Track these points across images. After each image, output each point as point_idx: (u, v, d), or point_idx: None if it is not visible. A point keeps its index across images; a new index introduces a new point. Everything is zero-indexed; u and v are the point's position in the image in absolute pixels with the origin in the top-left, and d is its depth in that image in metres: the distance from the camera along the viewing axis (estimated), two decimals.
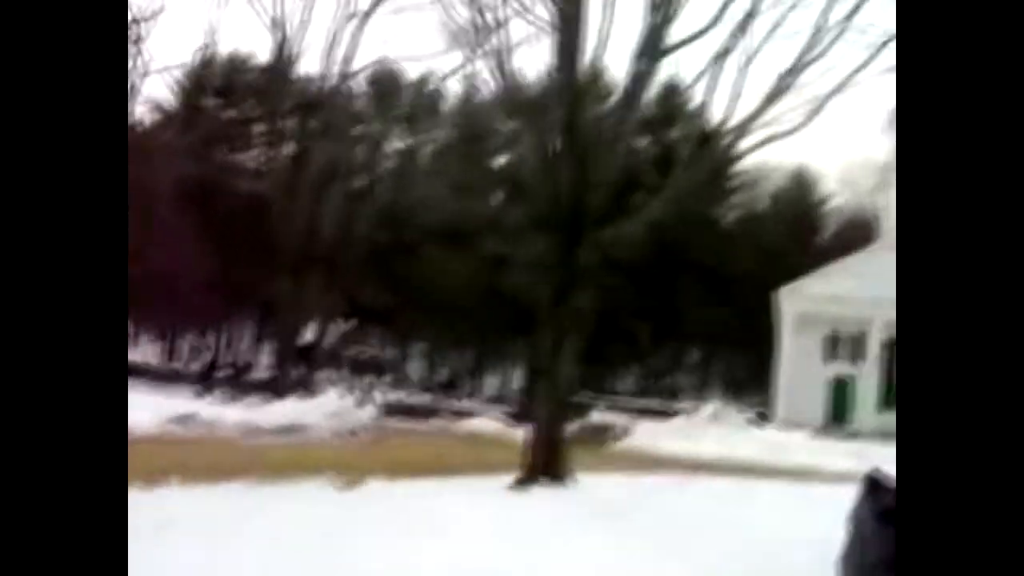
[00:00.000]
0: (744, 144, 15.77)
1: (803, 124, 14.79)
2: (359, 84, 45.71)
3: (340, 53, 40.26)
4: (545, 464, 14.51)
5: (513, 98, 17.57)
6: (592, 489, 14.69)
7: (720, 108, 15.43)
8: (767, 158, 47.79)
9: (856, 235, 47.29)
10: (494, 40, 15.74)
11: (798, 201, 55.66)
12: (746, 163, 50.95)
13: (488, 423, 30.47)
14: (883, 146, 44.28)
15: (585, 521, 11.77)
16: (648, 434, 31.00)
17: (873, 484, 2.60)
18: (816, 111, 14.90)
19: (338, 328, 43.96)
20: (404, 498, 11.26)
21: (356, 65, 41.71)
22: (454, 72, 37.18)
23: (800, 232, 52.90)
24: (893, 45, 14.80)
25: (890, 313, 38.32)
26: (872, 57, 14.87)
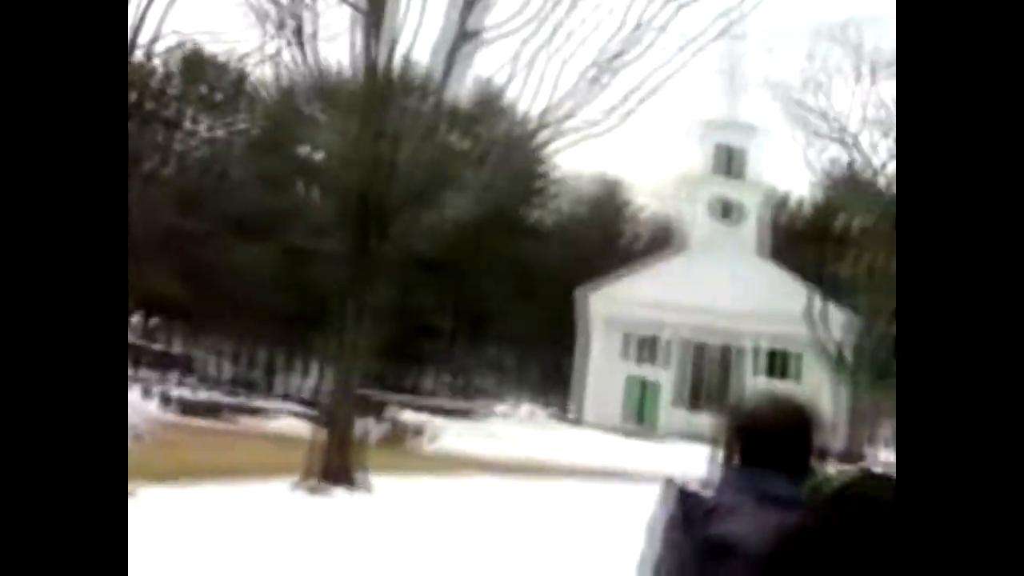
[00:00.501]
0: (555, 143, 15.64)
1: (614, 125, 14.81)
2: (163, 64, 43.25)
3: (145, 31, 37.90)
4: (336, 465, 13.84)
5: (319, 84, 16.76)
6: (385, 491, 14.18)
7: (533, 106, 15.22)
8: (580, 163, 48.66)
9: (661, 241, 48.82)
10: (298, 22, 14.92)
11: (608, 207, 57.04)
12: (559, 167, 52.09)
13: (292, 423, 29.37)
14: (689, 156, 46.04)
15: (373, 525, 11.30)
16: (457, 435, 30.76)
17: (671, 489, 2.39)
18: (628, 113, 14.96)
19: (134, 322, 41.40)
20: (174, 506, 10.33)
21: (161, 45, 39.39)
22: (259, 55, 35.56)
23: (610, 236, 54.19)
24: (704, 52, 15.01)
25: (692, 317, 40.40)
26: (685, 63, 15.07)
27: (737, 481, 2.30)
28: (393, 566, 8.65)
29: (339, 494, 13.30)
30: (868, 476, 2.21)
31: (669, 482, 2.34)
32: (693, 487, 2.31)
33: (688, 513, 2.26)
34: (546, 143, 15.86)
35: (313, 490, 13.25)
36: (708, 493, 2.27)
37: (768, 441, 2.29)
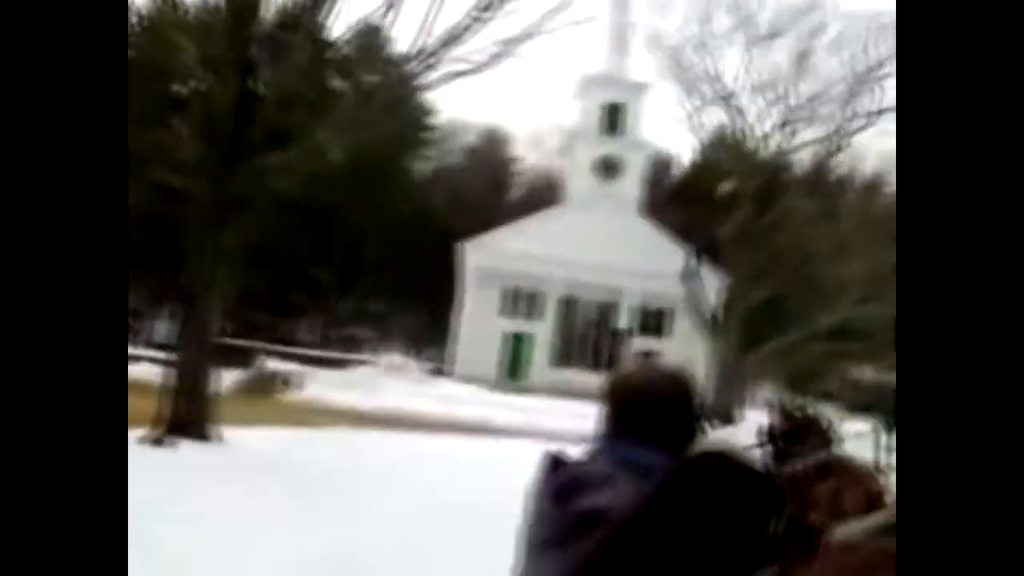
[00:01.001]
0: (435, 84, 14.93)
1: (488, 65, 14.16)
2: None
3: None
4: (186, 416, 12.97)
5: (177, 12, 15.56)
6: (240, 442, 13.41)
7: (412, 46, 14.43)
8: (464, 114, 47.88)
9: (542, 195, 48.65)
10: None
11: (492, 159, 56.56)
12: (442, 116, 51.21)
13: (150, 369, 28.05)
14: (570, 109, 45.78)
15: (224, 476, 10.63)
16: (323, 385, 29.96)
17: (551, 462, 2.43)
18: (507, 56, 14.37)
19: None
20: None
21: None
22: None
23: (492, 189, 53.74)
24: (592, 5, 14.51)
25: (570, 272, 40.43)
26: (564, 5, 14.52)
27: (611, 452, 2.27)
28: (224, 524, 7.97)
29: (186, 446, 12.45)
30: (715, 454, 2.05)
31: (547, 457, 2.29)
32: (567, 458, 2.27)
33: (560, 484, 2.22)
34: (425, 86, 15.14)
35: (157, 442, 12.37)
36: (582, 463, 2.25)
37: (643, 411, 2.29)
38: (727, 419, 30.97)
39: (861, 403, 43.39)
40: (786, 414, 5.95)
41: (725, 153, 39.33)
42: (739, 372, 33.74)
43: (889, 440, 24.44)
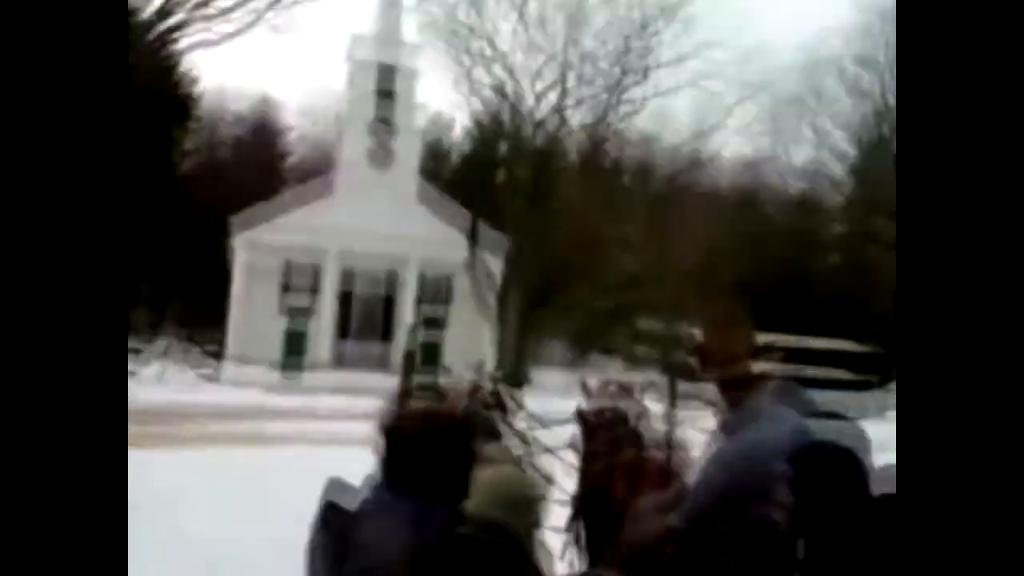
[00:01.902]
0: (174, 44, 13.47)
1: (247, 30, 12.87)
2: None
3: None
4: None
5: None
6: None
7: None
8: (234, 82, 45.32)
9: (318, 165, 46.96)
10: None
11: (264, 128, 54.11)
12: (206, 84, 48.36)
13: None
14: (341, 74, 44.21)
15: None
16: None
17: (326, 512, 2.42)
18: (261, 19, 13.14)
19: None
20: None
21: None
22: None
23: (265, 160, 51.39)
24: None
25: (349, 244, 39.05)
26: None
27: (387, 502, 2.29)
28: None
29: None
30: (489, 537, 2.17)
31: (331, 482, 2.35)
32: (343, 498, 2.32)
33: (333, 524, 2.28)
34: (179, 52, 13.67)
35: None
36: (356, 516, 2.29)
37: (417, 459, 2.32)
38: (516, 382, 30.92)
39: (643, 355, 44.85)
40: (598, 412, 5.72)
41: (503, 119, 39.15)
42: (525, 332, 33.79)
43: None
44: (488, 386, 6.10)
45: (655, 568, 3.39)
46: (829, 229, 45.13)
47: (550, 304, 33.99)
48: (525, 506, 2.94)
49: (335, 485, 2.46)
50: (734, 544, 3.28)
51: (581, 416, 5.51)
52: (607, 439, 5.15)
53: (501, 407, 5.77)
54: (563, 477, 5.17)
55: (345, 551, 2.21)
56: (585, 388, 5.91)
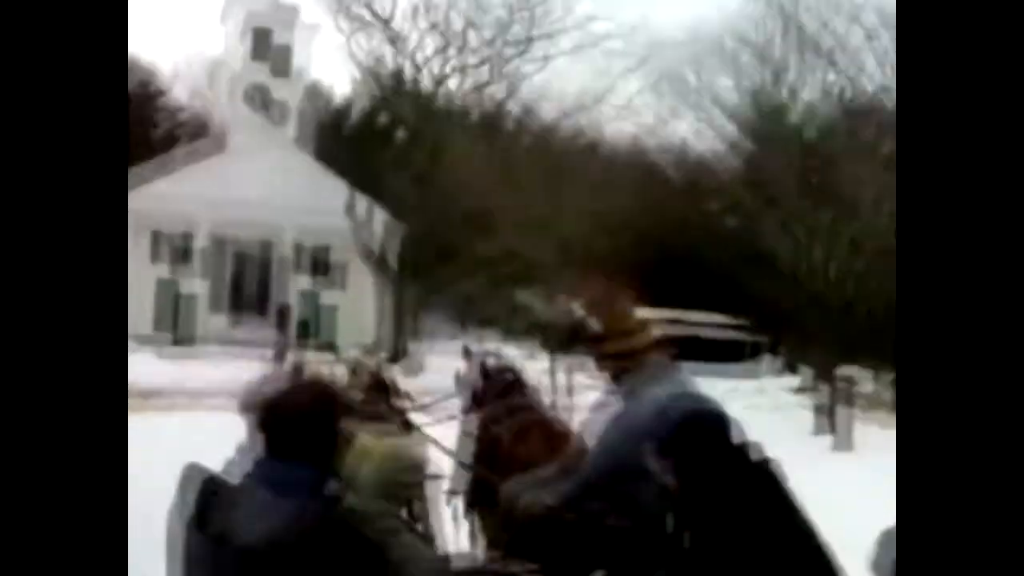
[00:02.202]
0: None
1: None
2: None
3: None
4: None
5: None
6: None
7: None
8: None
9: (196, 133, 45.25)
10: None
11: (139, 96, 51.75)
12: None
13: None
14: (216, 39, 42.62)
15: None
16: None
17: (193, 476, 2.39)
18: None
19: None
20: None
21: None
22: None
23: (140, 128, 49.18)
24: None
25: (229, 214, 37.63)
26: None
27: (258, 470, 2.31)
28: None
29: None
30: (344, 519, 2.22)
31: (192, 466, 2.35)
32: (216, 474, 2.38)
33: (201, 509, 2.24)
34: None
35: None
36: (228, 486, 2.32)
37: (285, 428, 2.33)
38: (396, 355, 30.55)
39: (521, 328, 44.94)
40: (484, 372, 5.69)
41: (390, 88, 38.37)
42: (406, 306, 33.39)
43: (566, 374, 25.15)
44: (371, 366, 6.04)
45: (547, 538, 3.41)
46: (711, 204, 46.09)
47: (432, 277, 33.63)
48: (406, 473, 2.99)
49: (194, 470, 2.44)
50: (626, 509, 3.33)
51: (483, 367, 5.46)
52: (503, 399, 5.18)
53: (383, 388, 5.71)
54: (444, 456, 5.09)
55: (211, 521, 2.20)
56: (467, 352, 5.91)
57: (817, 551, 2.71)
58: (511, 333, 40.87)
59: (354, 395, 5.55)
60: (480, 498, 4.74)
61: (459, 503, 5.02)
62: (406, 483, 3.03)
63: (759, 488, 2.74)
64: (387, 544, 2.51)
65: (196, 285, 37.54)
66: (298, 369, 5.53)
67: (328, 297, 38.74)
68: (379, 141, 38.67)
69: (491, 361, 5.66)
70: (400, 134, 34.37)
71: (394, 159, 33.63)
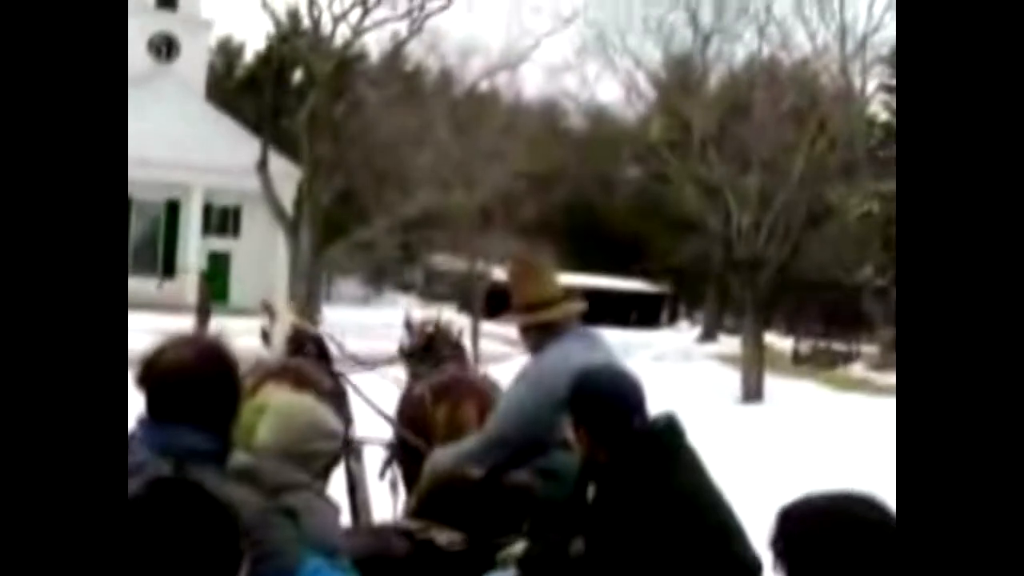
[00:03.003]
0: None
1: None
2: None
3: None
4: None
5: None
6: None
7: None
8: None
9: None
10: None
11: None
12: None
13: None
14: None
15: None
16: None
17: None
18: None
19: None
20: None
21: None
22: None
23: None
24: None
25: (131, 171, 35.68)
26: None
27: (149, 437, 2.21)
28: None
29: None
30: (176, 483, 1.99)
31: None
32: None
33: None
34: None
35: None
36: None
37: (178, 391, 2.24)
38: (310, 319, 29.49)
39: (439, 292, 44.41)
40: (419, 331, 5.71)
41: (297, 36, 36.94)
42: (317, 268, 32.26)
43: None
44: (310, 329, 5.90)
45: (469, 505, 3.42)
46: (624, 168, 45.93)
47: (344, 236, 32.58)
48: (310, 433, 2.85)
49: None
50: (548, 476, 3.39)
51: (427, 336, 5.59)
52: (433, 355, 5.35)
53: (323, 353, 5.61)
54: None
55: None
56: (408, 324, 5.89)
57: (719, 519, 2.82)
58: (428, 297, 40.29)
59: (274, 350, 5.56)
60: (407, 463, 4.69)
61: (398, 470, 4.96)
62: (312, 451, 2.84)
63: (662, 455, 2.80)
64: (280, 501, 2.43)
65: None
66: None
67: (236, 258, 37.45)
68: (294, 97, 37.31)
69: (430, 329, 5.67)
70: (312, 86, 32.94)
71: (310, 115, 32.33)
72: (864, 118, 29.13)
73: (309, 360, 5.26)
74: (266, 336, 5.78)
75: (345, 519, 3.62)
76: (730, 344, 39.12)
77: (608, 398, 2.90)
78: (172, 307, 31.63)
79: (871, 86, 29.93)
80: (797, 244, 20.79)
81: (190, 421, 2.19)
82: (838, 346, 32.75)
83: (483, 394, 4.68)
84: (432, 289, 45.92)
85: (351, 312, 29.82)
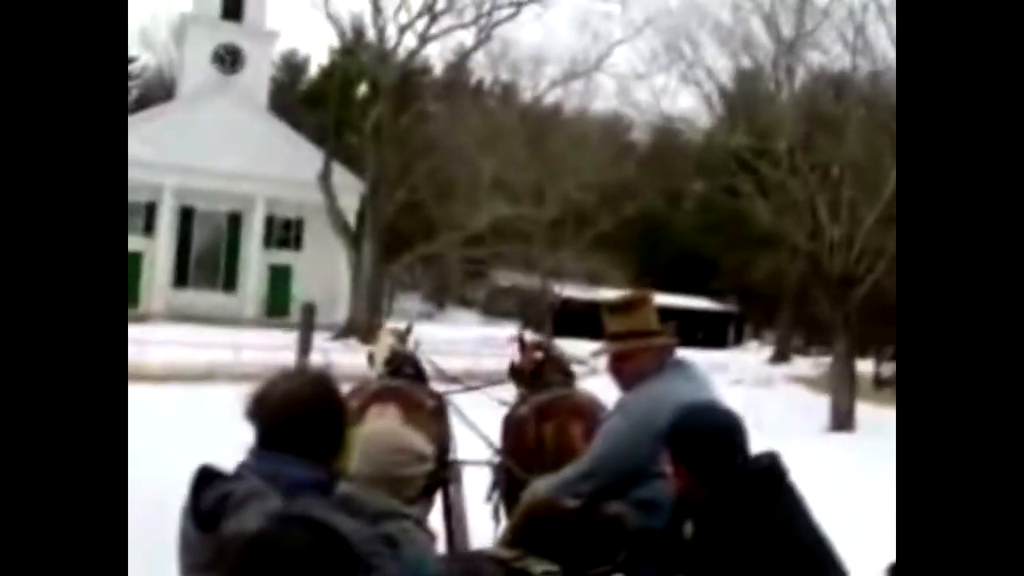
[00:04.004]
0: None
1: None
2: None
3: None
4: None
5: None
6: None
7: None
8: None
9: (157, 94, 43.18)
10: None
11: None
12: None
13: None
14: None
15: None
16: None
17: (200, 478, 2.33)
18: None
19: None
20: None
21: None
22: None
23: None
24: None
25: (193, 181, 35.67)
26: None
27: (259, 466, 2.28)
28: None
29: None
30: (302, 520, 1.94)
31: (199, 469, 2.30)
32: (218, 472, 2.28)
33: (206, 508, 2.19)
34: None
35: None
36: (231, 480, 2.25)
37: (287, 423, 2.31)
38: (367, 335, 28.72)
39: (502, 309, 43.54)
40: (529, 354, 5.62)
41: (362, 48, 36.46)
42: (379, 283, 31.56)
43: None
44: (405, 351, 5.88)
45: (565, 537, 3.40)
46: (691, 182, 44.66)
47: (407, 252, 31.82)
48: (404, 465, 2.88)
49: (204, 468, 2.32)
50: (644, 510, 3.36)
51: (542, 355, 5.49)
52: (543, 380, 5.21)
53: (420, 374, 5.65)
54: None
55: (216, 520, 2.12)
56: (521, 342, 5.81)
57: (822, 559, 2.75)
58: (491, 314, 39.44)
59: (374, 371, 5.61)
60: (509, 488, 4.66)
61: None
62: (402, 476, 2.88)
63: (764, 495, 2.77)
64: (390, 541, 2.45)
65: (156, 256, 35.35)
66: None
67: (298, 272, 36.92)
68: (357, 110, 36.75)
69: (539, 355, 5.55)
70: (378, 98, 32.31)
71: (370, 125, 31.66)
72: None
73: (408, 381, 5.32)
74: (371, 359, 5.87)
75: (441, 544, 3.74)
76: (803, 365, 37.59)
77: (710, 438, 2.87)
78: (231, 320, 31.15)
79: None
80: (892, 261, 19.38)
81: (299, 452, 2.26)
82: None
83: (589, 414, 4.57)
84: (495, 306, 45.00)
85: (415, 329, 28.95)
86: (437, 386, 5.61)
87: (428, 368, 5.83)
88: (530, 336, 5.89)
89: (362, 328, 27.68)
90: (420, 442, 3.04)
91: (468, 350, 22.49)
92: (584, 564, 3.30)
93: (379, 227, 31.13)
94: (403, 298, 43.23)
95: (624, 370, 3.66)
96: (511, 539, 3.64)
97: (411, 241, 31.75)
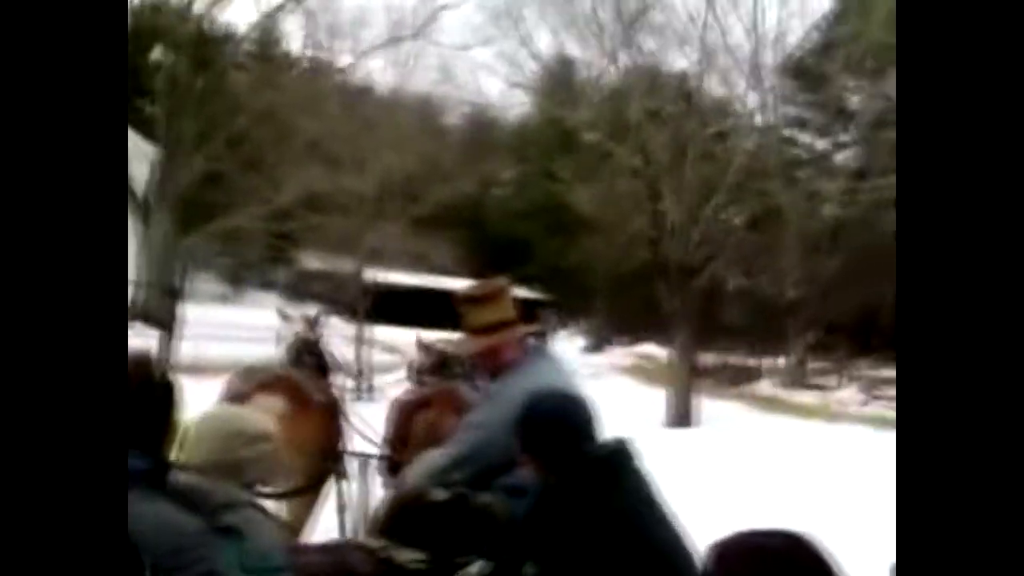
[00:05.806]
0: None
1: None
2: None
3: None
4: None
5: None
6: None
7: None
8: None
9: None
10: None
11: None
12: None
13: None
14: None
15: None
16: None
17: None
18: None
19: None
20: None
21: None
22: None
23: None
24: None
25: None
26: None
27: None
28: None
29: None
30: None
31: None
32: None
33: None
34: None
35: None
36: None
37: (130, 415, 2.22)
38: (163, 324, 25.71)
39: (309, 292, 41.08)
40: (428, 349, 6.11)
41: (159, 14, 33.16)
42: (171, 261, 28.47)
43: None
44: (311, 336, 5.85)
45: (421, 522, 3.42)
46: (507, 167, 43.81)
47: (204, 228, 28.90)
48: (234, 442, 2.80)
49: None
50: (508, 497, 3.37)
51: (440, 356, 5.65)
52: (446, 374, 5.45)
53: (322, 365, 5.64)
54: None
55: None
56: (425, 346, 5.84)
57: (675, 543, 2.78)
58: (297, 297, 36.98)
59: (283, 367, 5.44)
60: (392, 476, 4.70)
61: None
62: (239, 459, 2.75)
63: (606, 481, 2.78)
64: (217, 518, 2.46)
65: None
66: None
67: None
68: (148, 73, 33.44)
69: (439, 347, 5.67)
70: (173, 55, 29.19)
71: (168, 84, 28.56)
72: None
73: (305, 372, 5.26)
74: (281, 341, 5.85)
75: (335, 535, 4.48)
76: (617, 355, 37.34)
77: (554, 425, 2.91)
78: None
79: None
80: (736, 249, 18.74)
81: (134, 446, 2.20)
82: (736, 360, 31.24)
83: (465, 404, 4.60)
84: (301, 288, 42.38)
85: (211, 312, 25.99)
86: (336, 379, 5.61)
87: (329, 360, 5.74)
88: (427, 337, 5.94)
89: (152, 310, 24.64)
90: (259, 422, 2.97)
91: (270, 336, 20.22)
92: (452, 553, 3.31)
93: (171, 198, 28.05)
94: (200, 279, 39.96)
95: (491, 363, 3.70)
96: (380, 529, 3.62)
97: (211, 215, 28.84)
